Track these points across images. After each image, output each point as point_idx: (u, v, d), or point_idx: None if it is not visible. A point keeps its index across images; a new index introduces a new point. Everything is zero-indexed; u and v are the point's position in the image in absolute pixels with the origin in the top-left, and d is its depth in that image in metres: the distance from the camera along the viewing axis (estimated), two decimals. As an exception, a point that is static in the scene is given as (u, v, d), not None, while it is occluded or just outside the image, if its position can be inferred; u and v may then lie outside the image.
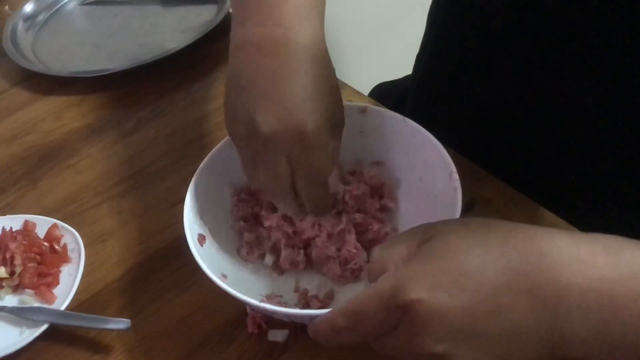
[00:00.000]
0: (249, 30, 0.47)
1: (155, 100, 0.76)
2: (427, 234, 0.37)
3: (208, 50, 0.82)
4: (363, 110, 0.57)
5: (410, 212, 0.56)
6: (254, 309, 0.50)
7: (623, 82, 0.53)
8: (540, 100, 0.60)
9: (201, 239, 0.51)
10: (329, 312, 0.39)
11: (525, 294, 0.33)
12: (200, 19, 0.87)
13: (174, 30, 0.87)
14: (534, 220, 0.57)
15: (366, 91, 0.84)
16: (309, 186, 0.48)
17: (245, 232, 0.55)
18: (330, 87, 0.47)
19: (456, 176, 0.50)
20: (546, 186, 0.61)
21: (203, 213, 0.52)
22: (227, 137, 0.55)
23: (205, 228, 0.52)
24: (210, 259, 0.50)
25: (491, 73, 0.63)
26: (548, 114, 0.60)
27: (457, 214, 0.48)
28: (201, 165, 0.54)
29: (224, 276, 0.50)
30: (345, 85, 0.74)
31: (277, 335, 0.51)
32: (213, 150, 0.55)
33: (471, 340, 0.34)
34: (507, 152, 0.65)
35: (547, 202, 0.58)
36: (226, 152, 0.55)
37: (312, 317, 0.41)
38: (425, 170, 0.54)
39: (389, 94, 0.86)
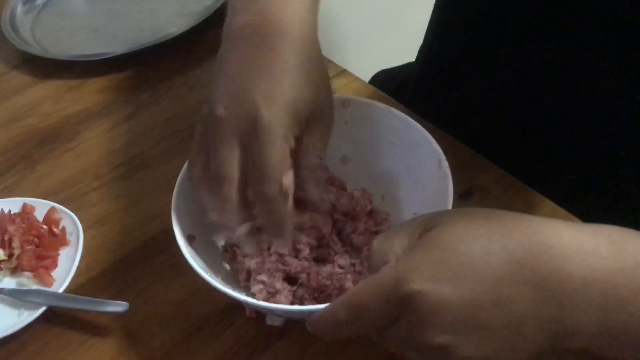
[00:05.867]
0: (234, 19, 0.46)
1: (155, 85, 0.76)
2: (429, 225, 0.37)
3: (208, 35, 0.81)
4: (345, 103, 0.55)
5: (399, 202, 0.56)
6: (252, 307, 0.50)
7: (627, 69, 0.53)
8: (541, 87, 0.60)
9: (191, 239, 0.50)
10: (328, 305, 0.39)
11: (528, 284, 0.33)
12: (200, 4, 0.86)
13: (174, 15, 0.86)
14: (532, 208, 0.57)
15: (367, 78, 0.84)
16: (259, 183, 0.43)
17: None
18: (312, 78, 0.45)
19: (446, 164, 0.49)
20: (545, 174, 0.61)
21: (191, 213, 0.51)
22: None
23: (194, 228, 0.51)
24: (201, 258, 0.49)
25: (493, 59, 0.63)
26: (549, 102, 0.60)
27: (449, 201, 0.47)
28: (184, 167, 0.52)
29: (217, 275, 0.49)
30: (346, 72, 0.73)
31: (275, 320, 0.51)
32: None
33: (474, 331, 0.34)
34: (507, 140, 0.65)
35: (546, 190, 0.58)
36: None
37: (311, 313, 0.40)
38: (413, 158, 0.53)
39: (390, 81, 0.86)
